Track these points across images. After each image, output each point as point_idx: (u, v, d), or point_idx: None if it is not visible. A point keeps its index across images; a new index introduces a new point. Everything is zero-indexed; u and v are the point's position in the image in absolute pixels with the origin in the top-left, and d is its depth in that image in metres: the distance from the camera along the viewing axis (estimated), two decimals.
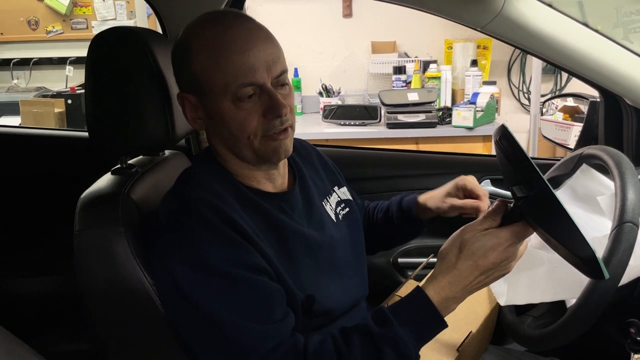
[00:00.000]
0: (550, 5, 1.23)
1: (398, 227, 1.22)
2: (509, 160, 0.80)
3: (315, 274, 0.98)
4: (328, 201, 1.12)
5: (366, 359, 0.83)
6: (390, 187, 1.62)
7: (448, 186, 1.14)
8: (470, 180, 1.11)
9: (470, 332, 1.07)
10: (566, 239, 0.73)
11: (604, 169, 1.08)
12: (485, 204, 1.08)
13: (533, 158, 2.20)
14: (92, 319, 0.97)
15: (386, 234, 1.26)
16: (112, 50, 1.03)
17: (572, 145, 1.64)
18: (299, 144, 1.17)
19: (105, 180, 1.07)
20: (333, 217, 1.10)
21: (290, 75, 0.98)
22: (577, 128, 1.67)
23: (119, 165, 1.10)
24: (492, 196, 1.59)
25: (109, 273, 0.94)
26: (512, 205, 0.82)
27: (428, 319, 0.84)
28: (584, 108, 1.71)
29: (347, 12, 3.46)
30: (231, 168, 0.98)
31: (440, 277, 0.84)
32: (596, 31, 1.25)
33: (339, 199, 1.15)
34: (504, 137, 0.80)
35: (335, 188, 1.16)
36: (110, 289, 0.95)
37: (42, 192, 1.76)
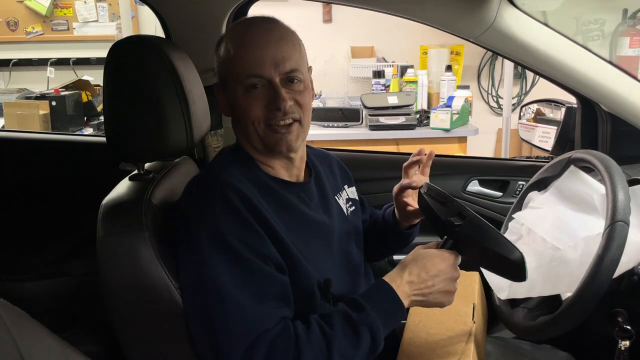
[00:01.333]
0: (537, 19, 1.34)
1: (385, 235, 1.28)
2: (440, 203, 1.02)
3: (330, 261, 1.06)
4: (340, 196, 1.20)
5: (347, 339, 0.91)
6: (387, 188, 1.68)
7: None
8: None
9: (474, 303, 1.18)
10: (499, 245, 0.92)
11: (589, 171, 1.18)
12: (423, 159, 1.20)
13: (507, 159, 2.32)
14: (114, 322, 0.99)
15: (378, 241, 1.31)
16: (131, 58, 1.06)
17: (550, 148, 1.75)
18: (320, 150, 1.26)
19: (124, 187, 1.08)
20: (345, 211, 1.19)
21: None
22: (541, 129, 1.79)
23: (136, 171, 1.13)
24: (479, 196, 1.71)
25: (135, 278, 0.95)
26: (447, 236, 1.00)
27: (393, 308, 0.96)
28: (549, 112, 1.83)
29: (327, 17, 3.55)
30: (255, 156, 1.06)
31: (399, 276, 0.98)
32: (577, 43, 1.36)
33: (348, 197, 1.23)
34: (431, 189, 1.06)
35: (346, 187, 1.25)
36: (135, 293, 0.96)
37: (50, 195, 1.76)
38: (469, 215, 0.96)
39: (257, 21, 1.04)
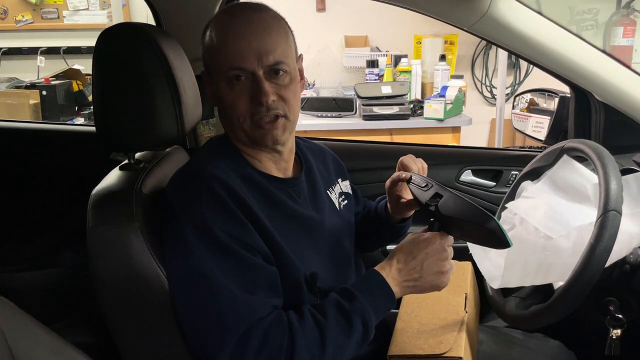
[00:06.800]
0: (531, 8, 1.33)
1: (377, 228, 1.28)
2: (421, 188, 1.06)
3: (317, 256, 1.06)
4: (333, 190, 1.20)
5: (340, 328, 0.92)
6: (381, 178, 1.68)
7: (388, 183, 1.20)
8: (397, 174, 1.17)
9: (466, 293, 1.19)
10: (473, 216, 0.93)
11: (582, 160, 1.18)
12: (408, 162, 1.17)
13: (500, 148, 2.32)
14: (106, 312, 0.98)
15: (371, 233, 1.31)
16: (121, 46, 1.04)
17: (543, 137, 1.76)
18: (314, 143, 1.25)
19: (115, 176, 1.07)
20: (337, 205, 1.18)
21: None
22: (534, 119, 1.80)
23: (126, 161, 1.11)
24: (473, 186, 1.71)
25: (125, 268, 0.95)
26: (432, 219, 1.02)
27: (384, 296, 0.97)
28: (543, 102, 1.83)
29: (321, 6, 3.52)
30: (242, 149, 1.05)
31: (388, 265, 0.99)
32: (571, 33, 1.36)
33: (341, 191, 1.23)
34: (414, 177, 1.10)
35: (339, 180, 1.24)
36: (126, 283, 0.96)
37: (40, 185, 1.75)
38: (444, 194, 0.99)
39: (242, 9, 1.02)
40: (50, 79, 3.12)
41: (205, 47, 1.04)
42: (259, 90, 0.97)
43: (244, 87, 0.98)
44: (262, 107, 0.98)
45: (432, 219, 1.01)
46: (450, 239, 1.00)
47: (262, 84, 0.97)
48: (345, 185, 1.25)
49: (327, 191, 1.18)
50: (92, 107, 3.12)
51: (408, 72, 3.26)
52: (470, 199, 1.59)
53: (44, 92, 2.92)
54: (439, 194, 1.00)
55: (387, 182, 1.18)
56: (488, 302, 1.23)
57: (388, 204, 1.22)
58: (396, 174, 1.16)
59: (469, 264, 1.31)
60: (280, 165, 1.08)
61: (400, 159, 1.19)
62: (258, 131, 1.00)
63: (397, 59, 3.33)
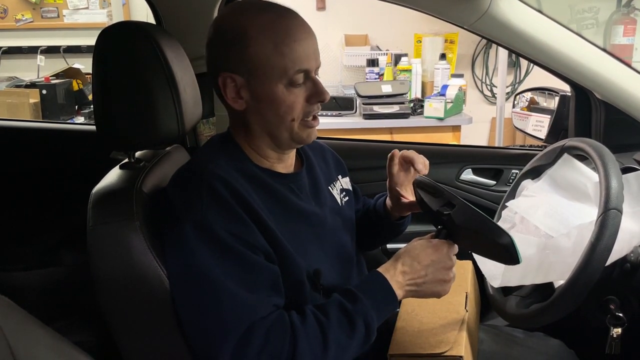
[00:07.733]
0: (531, 7, 1.33)
1: (376, 225, 1.28)
2: (431, 194, 1.03)
3: (320, 252, 1.06)
4: (334, 186, 1.20)
5: (342, 329, 0.92)
6: (381, 176, 1.68)
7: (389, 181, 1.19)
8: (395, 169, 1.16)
9: (466, 292, 1.18)
10: (488, 229, 0.92)
11: (583, 159, 1.18)
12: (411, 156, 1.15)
13: (501, 147, 2.32)
14: (106, 312, 0.98)
15: (370, 231, 1.31)
16: (121, 45, 1.04)
17: (543, 136, 1.75)
18: (313, 141, 1.24)
19: (115, 175, 1.07)
20: (338, 201, 1.18)
21: None
22: (534, 118, 1.80)
23: (126, 160, 1.11)
24: (473, 185, 1.71)
25: (126, 267, 0.95)
26: (440, 226, 1.01)
27: (386, 298, 0.97)
28: (543, 100, 1.83)
29: (321, 5, 3.52)
30: (247, 149, 1.04)
31: (393, 267, 0.99)
32: (572, 31, 1.36)
33: (342, 187, 1.23)
34: (422, 181, 1.07)
35: (340, 177, 1.24)
36: (126, 283, 0.96)
37: (41, 185, 1.75)
38: (457, 204, 0.98)
39: (280, 9, 1.01)
40: (50, 78, 3.13)
41: (248, 49, 0.97)
42: (319, 90, 1.00)
43: (300, 88, 1.00)
44: (316, 105, 1.01)
45: (440, 227, 1.01)
46: (456, 248, 1.00)
47: (320, 83, 1.00)
48: (345, 182, 1.25)
49: (329, 187, 1.18)
50: (92, 106, 3.14)
51: (408, 71, 3.26)
52: (470, 198, 1.59)
53: (44, 91, 2.93)
54: (451, 203, 0.99)
55: (389, 182, 1.16)
56: (488, 301, 1.23)
57: (388, 202, 1.22)
58: (399, 169, 1.14)
59: (469, 262, 1.31)
60: (287, 162, 1.09)
61: (402, 152, 1.16)
62: (306, 131, 1.03)
63: (397, 58, 3.33)
